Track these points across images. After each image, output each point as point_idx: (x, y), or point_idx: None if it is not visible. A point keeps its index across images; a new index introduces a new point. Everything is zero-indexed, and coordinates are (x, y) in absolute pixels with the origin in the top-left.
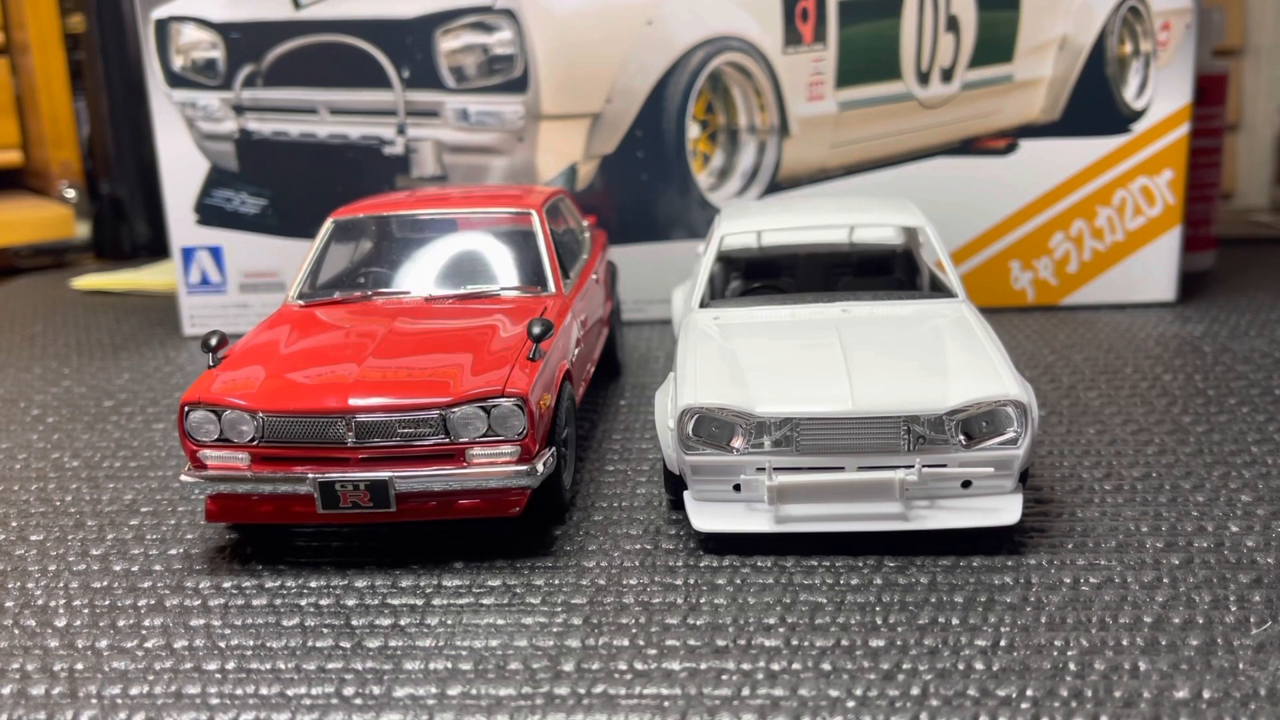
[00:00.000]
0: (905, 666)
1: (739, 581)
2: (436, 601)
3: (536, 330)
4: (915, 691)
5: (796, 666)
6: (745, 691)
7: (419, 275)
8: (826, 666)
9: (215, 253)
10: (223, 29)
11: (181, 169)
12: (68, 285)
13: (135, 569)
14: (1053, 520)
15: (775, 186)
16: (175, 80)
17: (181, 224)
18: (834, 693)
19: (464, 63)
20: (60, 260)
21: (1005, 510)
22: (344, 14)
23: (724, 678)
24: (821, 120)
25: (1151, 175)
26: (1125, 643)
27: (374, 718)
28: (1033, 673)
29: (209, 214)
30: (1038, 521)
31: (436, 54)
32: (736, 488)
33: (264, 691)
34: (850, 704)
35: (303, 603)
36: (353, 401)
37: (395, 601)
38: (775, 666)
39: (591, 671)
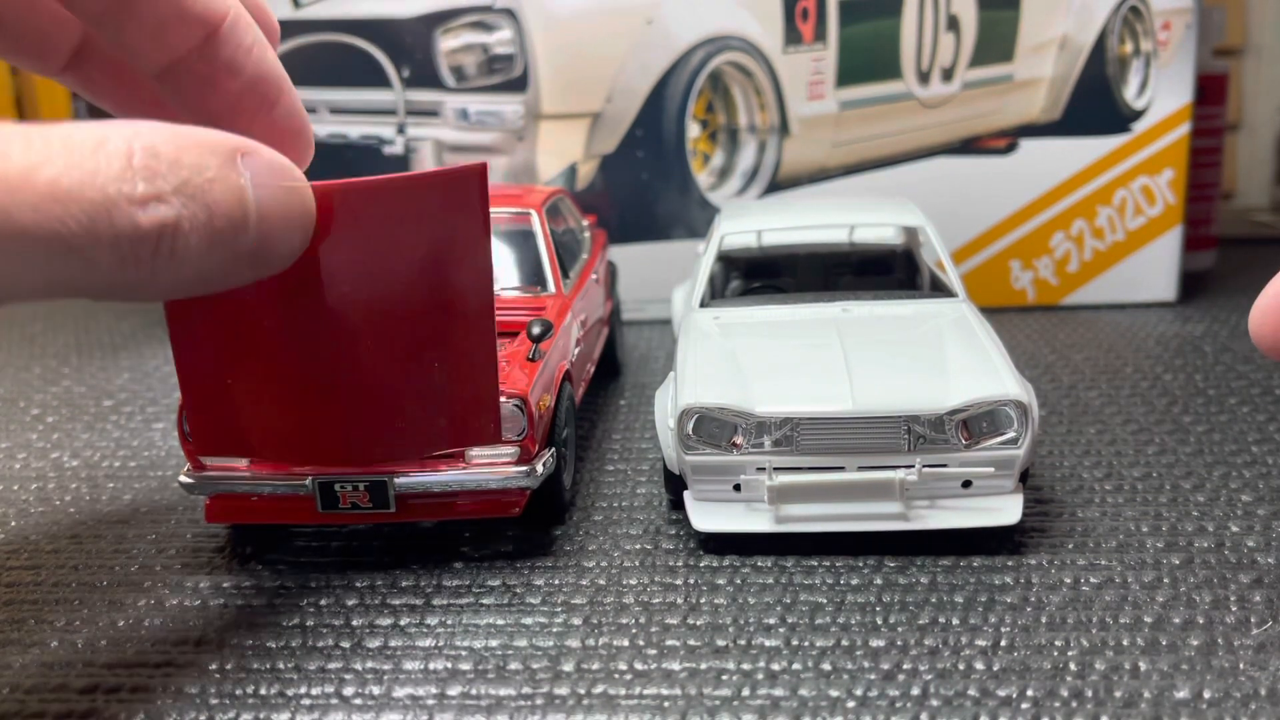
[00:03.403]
0: (905, 666)
1: (739, 581)
2: (436, 601)
3: (536, 331)
4: (915, 691)
5: (797, 666)
6: (745, 691)
7: None
8: (826, 666)
9: None
10: None
11: None
12: None
13: (135, 569)
14: (1053, 520)
15: (775, 186)
16: None
17: None
18: (834, 693)
19: (464, 62)
20: None
21: (1005, 510)
22: (344, 13)
23: (724, 678)
24: (822, 120)
25: (1152, 175)
26: (1126, 643)
27: (374, 718)
28: (1033, 673)
29: None
30: (1038, 521)
31: (436, 53)
32: (736, 488)
33: (264, 691)
34: (850, 704)
35: (303, 603)
36: None
37: (395, 601)
38: (775, 666)
39: (591, 671)
